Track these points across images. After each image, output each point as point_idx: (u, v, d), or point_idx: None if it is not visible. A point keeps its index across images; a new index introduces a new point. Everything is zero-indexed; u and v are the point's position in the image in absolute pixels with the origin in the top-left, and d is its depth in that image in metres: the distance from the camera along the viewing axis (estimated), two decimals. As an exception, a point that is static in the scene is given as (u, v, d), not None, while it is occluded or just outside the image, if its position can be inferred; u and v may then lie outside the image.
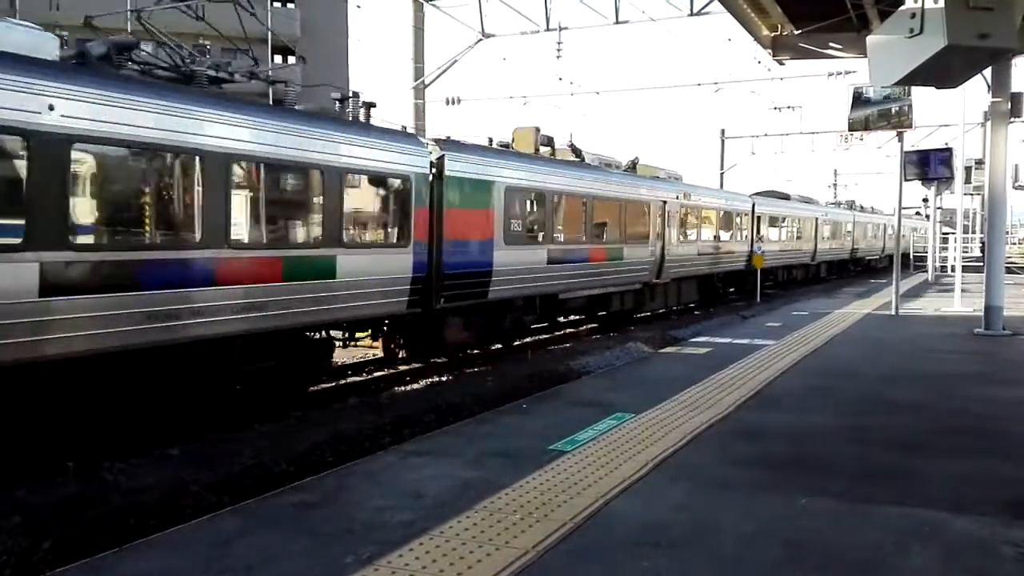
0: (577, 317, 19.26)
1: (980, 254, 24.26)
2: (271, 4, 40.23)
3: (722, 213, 25.06)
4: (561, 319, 18.45)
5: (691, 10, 21.41)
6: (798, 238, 32.57)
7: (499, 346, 15.34)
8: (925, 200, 30.46)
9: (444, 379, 12.75)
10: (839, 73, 26.88)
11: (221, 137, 8.82)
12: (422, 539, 4.55)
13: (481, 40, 23.95)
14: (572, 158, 17.86)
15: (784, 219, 31.24)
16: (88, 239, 7.83)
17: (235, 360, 9.52)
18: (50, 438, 7.78)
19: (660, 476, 5.79)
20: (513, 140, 16.16)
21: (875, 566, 4.29)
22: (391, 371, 13.14)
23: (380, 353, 13.61)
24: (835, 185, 63.37)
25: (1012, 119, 14.46)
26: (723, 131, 43.22)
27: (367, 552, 4.35)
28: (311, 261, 10.05)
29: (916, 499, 5.31)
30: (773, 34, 16.90)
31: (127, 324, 7.86)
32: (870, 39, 12.20)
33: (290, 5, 41.47)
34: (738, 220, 26.31)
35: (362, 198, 11.39)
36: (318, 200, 10.26)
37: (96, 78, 7.85)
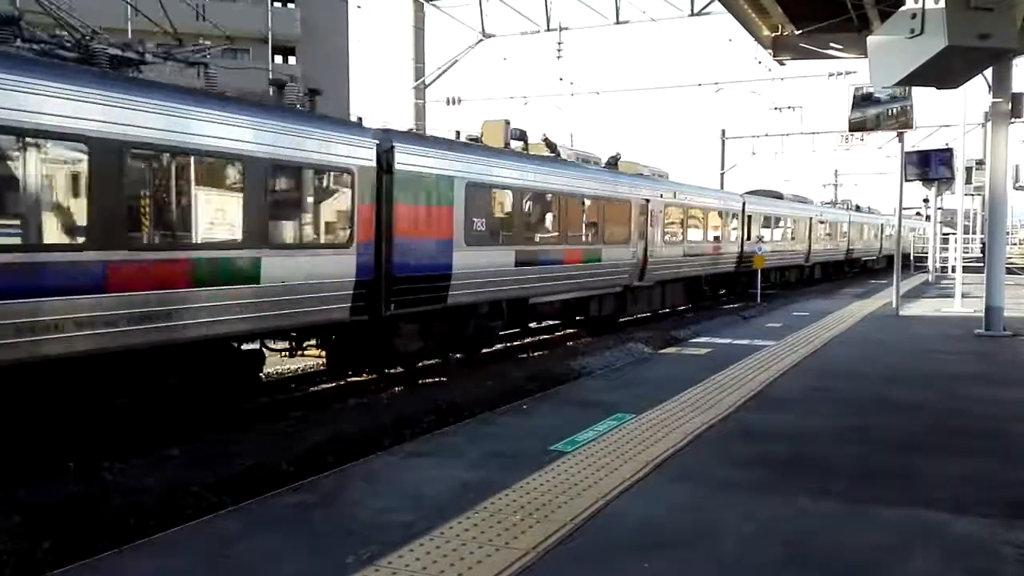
0: (555, 322, 18.14)
1: (981, 255, 24.26)
2: (271, 4, 40.29)
3: (710, 213, 24.08)
4: (534, 325, 17.46)
5: (692, 10, 21.39)
6: (791, 239, 31.71)
7: (500, 346, 15.13)
8: (926, 200, 30.41)
9: (444, 379, 12.75)
10: (840, 73, 26.82)
11: (113, 122, 7.68)
12: (422, 540, 4.55)
13: (481, 40, 23.92)
14: (547, 153, 16.73)
15: (776, 219, 30.30)
16: None
17: (132, 377, 8.40)
18: (50, 438, 7.78)
19: (661, 477, 5.79)
20: (482, 134, 15.18)
21: (876, 567, 4.30)
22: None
23: (324, 365, 12.34)
24: (835, 185, 63.32)
25: (1013, 120, 14.46)
26: (724, 131, 43.24)
27: (367, 552, 4.36)
28: (228, 264, 8.91)
29: (917, 500, 5.31)
30: (774, 34, 16.87)
31: None
32: (871, 39, 12.19)
33: (290, 5, 41.48)
34: (728, 220, 25.40)
35: (294, 193, 10.27)
36: (238, 195, 9.11)
37: None
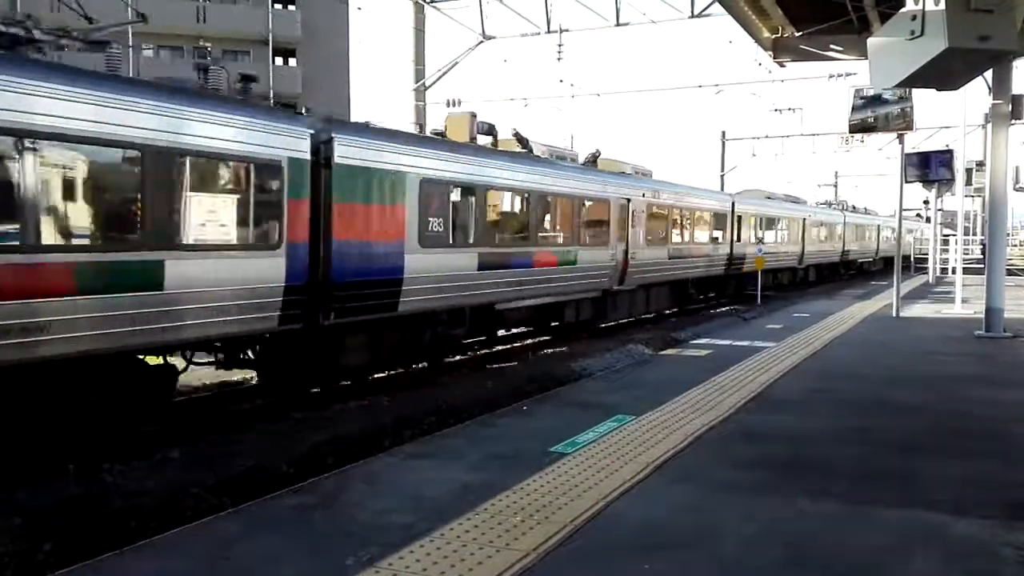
0: (525, 328, 17.09)
1: (981, 256, 24.26)
2: (272, 6, 40.30)
3: (697, 213, 23.07)
4: (503, 332, 16.33)
5: (692, 12, 21.42)
6: (784, 240, 30.77)
7: (501, 347, 14.94)
8: (926, 202, 30.39)
9: (444, 380, 12.74)
10: (840, 75, 26.86)
11: None
12: (423, 541, 4.55)
13: (482, 42, 23.93)
14: (518, 149, 15.67)
15: (768, 220, 29.26)
16: None
17: None
18: (50, 439, 7.77)
19: (661, 478, 5.79)
20: (446, 128, 14.28)
21: (876, 568, 4.29)
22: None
23: (256, 379, 11.34)
24: (835, 186, 63.33)
25: (1013, 121, 14.48)
26: (724, 133, 43.24)
27: (368, 554, 4.35)
28: (123, 268, 7.77)
29: (917, 501, 5.31)
30: (774, 36, 16.90)
31: None
32: (871, 41, 12.20)
33: (291, 7, 41.51)
34: (716, 220, 24.41)
35: (208, 188, 9.06)
36: (137, 190, 7.97)
37: None
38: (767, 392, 8.98)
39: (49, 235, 7.34)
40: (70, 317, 7.32)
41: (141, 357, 8.87)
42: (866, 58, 12.61)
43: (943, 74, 12.23)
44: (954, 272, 22.87)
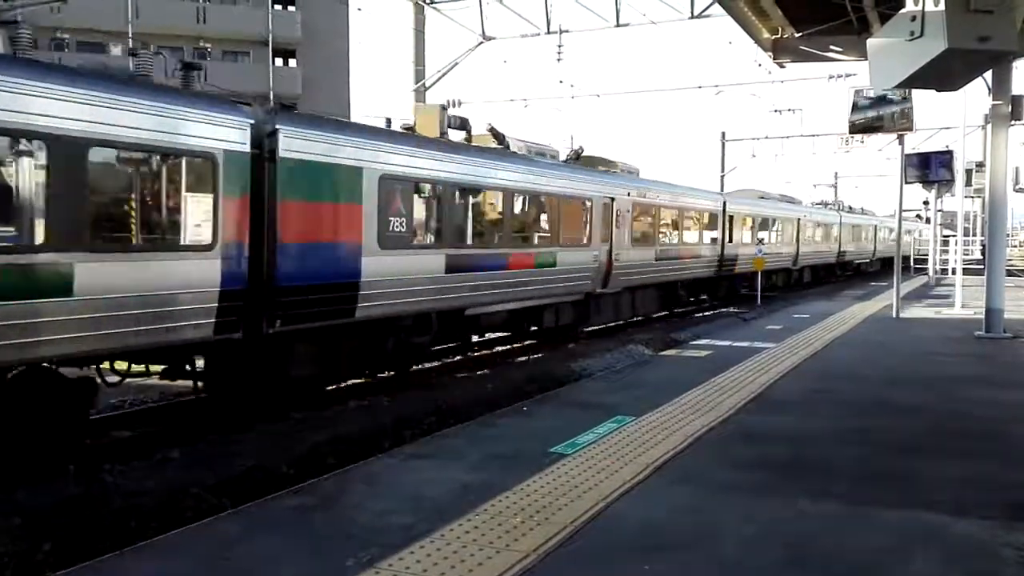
0: (502, 334, 16.36)
1: (981, 257, 24.27)
2: (272, 6, 40.31)
3: (687, 212, 22.19)
4: (476, 337, 15.56)
5: (692, 13, 21.44)
6: (778, 240, 29.97)
7: (492, 351, 14.58)
8: (926, 202, 30.40)
9: (444, 381, 12.74)
10: (840, 76, 26.86)
11: None
12: (423, 542, 4.55)
13: (482, 43, 23.95)
14: (494, 144, 14.89)
15: (761, 220, 28.41)
16: None
17: None
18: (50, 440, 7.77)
19: (661, 479, 5.79)
20: (416, 122, 13.49)
21: (876, 569, 4.30)
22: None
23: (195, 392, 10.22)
24: (835, 187, 63.33)
25: (1013, 122, 14.49)
26: (724, 134, 43.25)
27: (368, 555, 4.36)
28: (25, 271, 6.97)
29: (917, 502, 5.31)
30: (773, 37, 16.91)
31: None
32: (871, 42, 12.21)
33: (291, 8, 41.52)
34: (706, 220, 23.62)
35: (126, 182, 8.33)
36: (43, 184, 7.21)
37: None
38: (767, 393, 8.98)
39: None
40: None
41: (57, 370, 8.08)
42: (866, 59, 12.62)
43: (943, 75, 12.24)
44: (954, 273, 22.88)
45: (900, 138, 17.93)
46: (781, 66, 18.44)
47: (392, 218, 11.10)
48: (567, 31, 23.43)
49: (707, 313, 23.61)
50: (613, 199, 17.52)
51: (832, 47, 16.33)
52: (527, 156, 15.41)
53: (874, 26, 14.48)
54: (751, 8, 15.51)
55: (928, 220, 35.36)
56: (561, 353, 15.22)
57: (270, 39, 39.71)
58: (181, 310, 8.35)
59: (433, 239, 12.31)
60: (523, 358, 15.29)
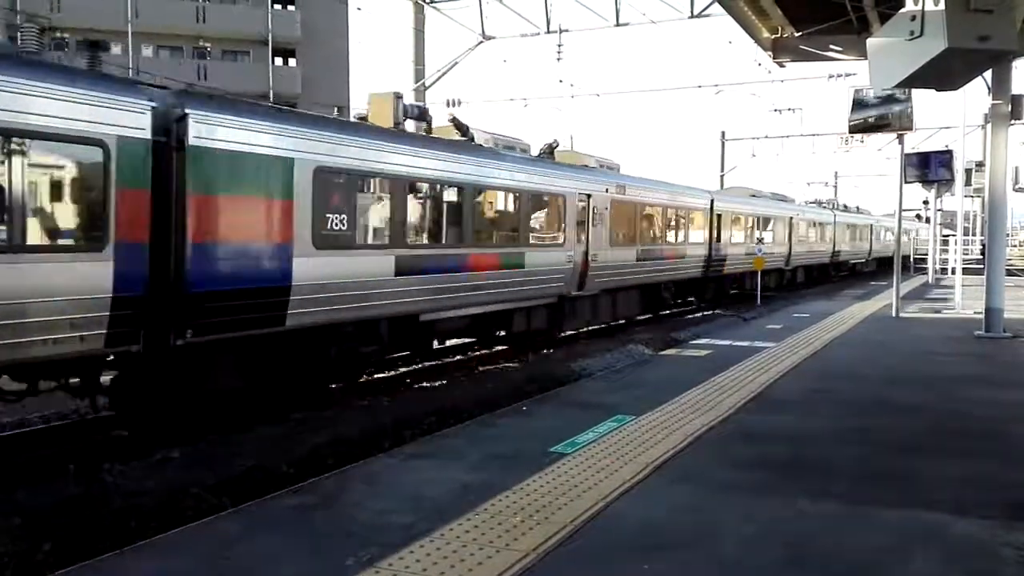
0: (466, 340, 15.35)
1: (980, 256, 24.28)
2: (271, 6, 40.31)
3: (671, 210, 21.14)
4: (437, 344, 14.45)
5: (692, 12, 21.44)
6: (769, 240, 28.82)
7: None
8: (926, 202, 30.39)
9: (444, 381, 12.74)
10: (839, 75, 26.87)
11: None
12: (423, 541, 4.56)
13: (481, 42, 23.95)
14: (456, 136, 13.92)
15: (750, 218, 27.36)
16: None
17: None
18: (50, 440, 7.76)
19: (661, 479, 5.80)
20: (369, 111, 12.58)
21: (876, 568, 4.30)
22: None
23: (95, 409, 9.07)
24: (835, 186, 63.38)
25: (1012, 121, 14.51)
26: (723, 133, 43.30)
27: (368, 554, 4.36)
28: None
29: (917, 501, 5.31)
30: (773, 36, 16.90)
31: None
32: (870, 41, 12.21)
33: (290, 7, 41.52)
34: (693, 219, 22.58)
35: None
36: None
37: None
38: (767, 392, 8.98)
39: None
40: None
41: None
42: (866, 58, 12.61)
43: (943, 74, 12.23)
44: (953, 272, 22.88)
45: (900, 138, 17.94)
46: (781, 65, 18.43)
47: (331, 215, 10.08)
48: (567, 31, 23.43)
49: (696, 315, 23.01)
50: (590, 196, 16.58)
51: (832, 47, 16.32)
52: (493, 149, 14.40)
53: (874, 26, 14.48)
54: (751, 7, 15.51)
55: (928, 220, 35.34)
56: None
57: (270, 39, 39.72)
58: (63, 319, 7.26)
59: (381, 239, 11.25)
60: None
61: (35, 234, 7.32)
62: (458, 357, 15.07)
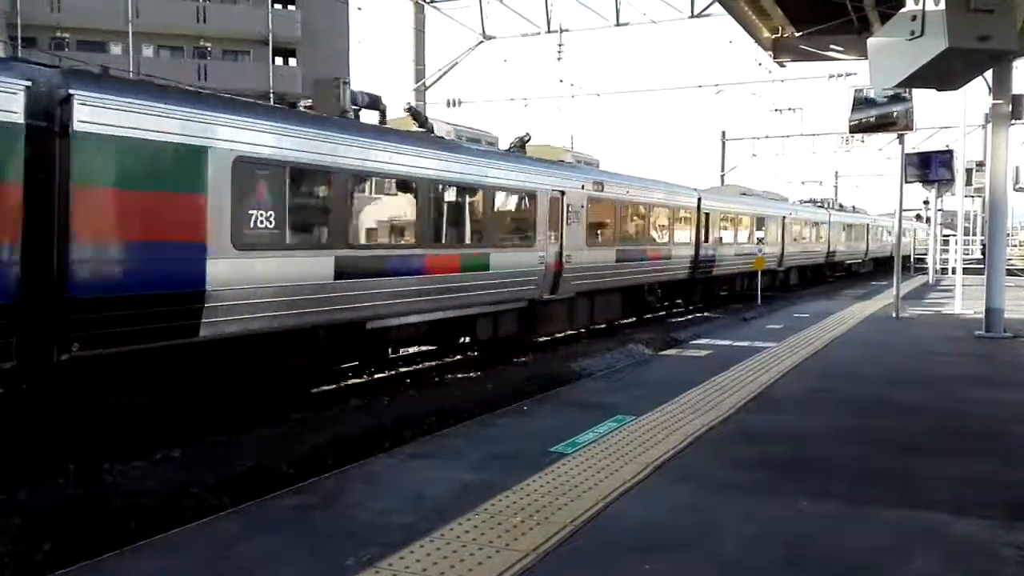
0: (427, 348, 14.30)
1: (981, 256, 24.28)
2: (272, 6, 40.32)
3: (655, 209, 20.03)
4: (392, 353, 13.38)
5: (692, 12, 21.44)
6: (761, 240, 27.90)
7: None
8: (926, 202, 30.39)
9: (444, 381, 12.74)
10: (840, 75, 26.87)
11: None
12: (423, 541, 4.55)
13: (482, 42, 23.96)
14: (414, 128, 12.93)
15: (741, 217, 26.38)
16: None
17: None
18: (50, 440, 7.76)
19: (661, 479, 5.79)
20: (316, 99, 11.78)
21: (876, 568, 4.30)
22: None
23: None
24: (835, 186, 63.41)
25: (1013, 121, 14.49)
26: (724, 133, 43.30)
27: (368, 554, 4.36)
28: None
29: (917, 501, 5.31)
30: (774, 36, 16.89)
31: None
32: (871, 41, 12.21)
33: (291, 7, 41.53)
34: (679, 218, 21.52)
35: None
36: None
37: None
38: (767, 392, 8.98)
39: None
40: None
41: None
42: (866, 58, 12.61)
43: (943, 74, 12.23)
44: (954, 272, 22.88)
45: (900, 138, 17.94)
46: (781, 65, 18.41)
47: (255, 212, 9.07)
48: (567, 30, 23.44)
49: (692, 316, 22.60)
50: (564, 193, 15.50)
51: (832, 46, 16.31)
52: (454, 142, 13.37)
53: (874, 25, 14.47)
54: (751, 7, 15.50)
55: (928, 220, 35.32)
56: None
57: (270, 38, 39.75)
58: None
59: (317, 238, 10.24)
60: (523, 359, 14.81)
61: None
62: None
